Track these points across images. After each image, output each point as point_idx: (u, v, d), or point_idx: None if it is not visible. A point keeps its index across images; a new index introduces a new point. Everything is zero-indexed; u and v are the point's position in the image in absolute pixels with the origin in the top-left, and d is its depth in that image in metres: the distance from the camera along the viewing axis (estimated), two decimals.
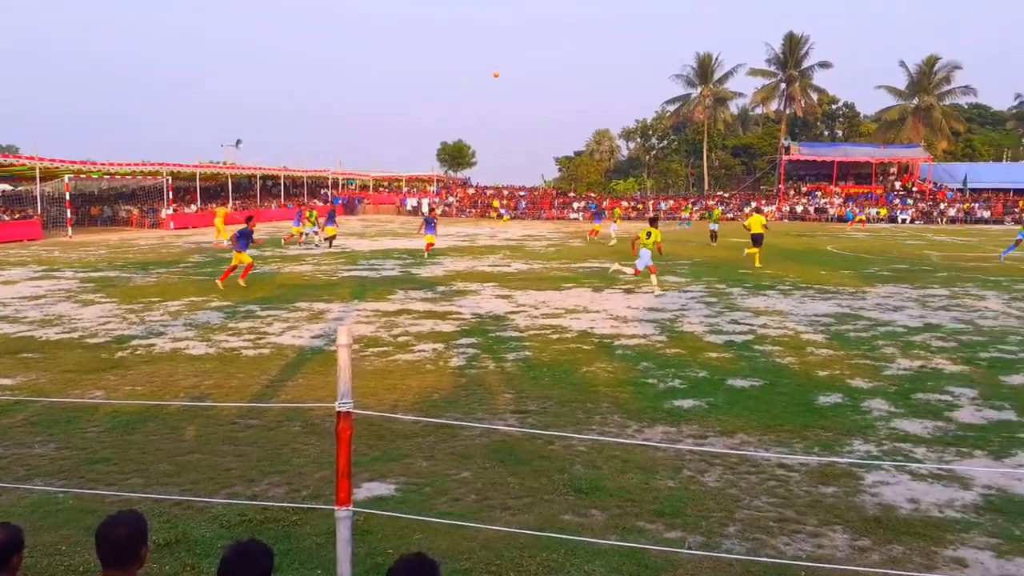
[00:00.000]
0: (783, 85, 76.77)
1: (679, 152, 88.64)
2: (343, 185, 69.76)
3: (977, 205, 60.67)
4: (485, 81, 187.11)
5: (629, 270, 16.61)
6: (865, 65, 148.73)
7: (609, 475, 5.49)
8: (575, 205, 66.46)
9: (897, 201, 61.59)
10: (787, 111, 78.43)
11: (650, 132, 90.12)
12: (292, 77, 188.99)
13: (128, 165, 40.35)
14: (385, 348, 10.02)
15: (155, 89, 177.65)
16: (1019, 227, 25.54)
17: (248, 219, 18.04)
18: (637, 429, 6.62)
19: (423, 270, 20.10)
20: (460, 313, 12.90)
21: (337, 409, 3.23)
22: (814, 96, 78.90)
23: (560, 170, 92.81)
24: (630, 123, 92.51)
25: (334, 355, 3.55)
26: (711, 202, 63.60)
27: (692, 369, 8.82)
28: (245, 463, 5.76)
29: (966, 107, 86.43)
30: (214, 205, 44.65)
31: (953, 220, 57.96)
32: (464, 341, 10.48)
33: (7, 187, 42.95)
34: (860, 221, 51.39)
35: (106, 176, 43.09)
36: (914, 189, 65.41)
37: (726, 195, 70.60)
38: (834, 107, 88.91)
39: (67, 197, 35.38)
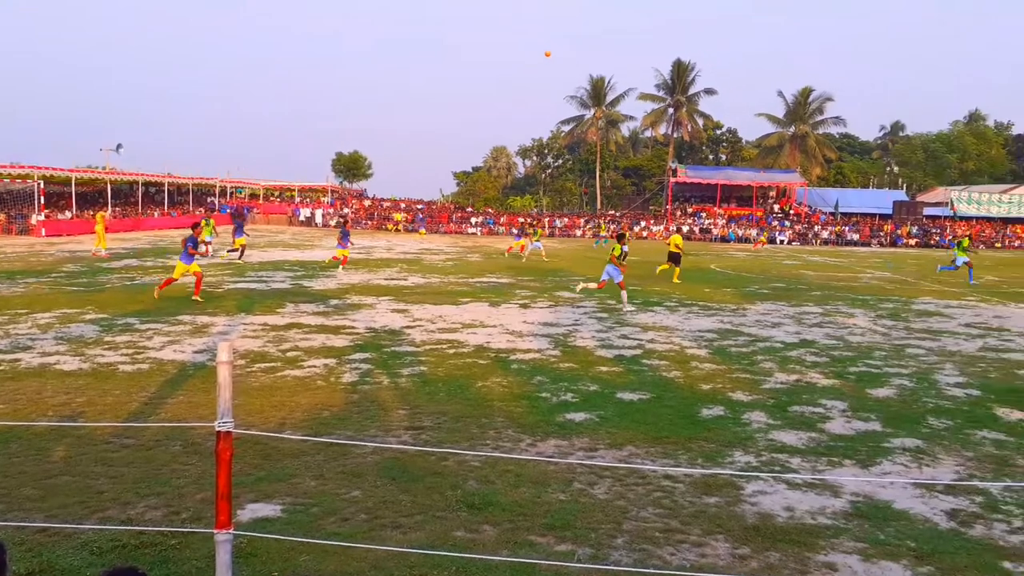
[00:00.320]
0: (671, 110, 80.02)
1: (573, 171, 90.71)
2: (231, 193, 67.28)
3: (847, 228, 65.05)
4: (383, 92, 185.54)
5: (593, 285, 17.02)
6: (747, 93, 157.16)
7: (502, 490, 5.50)
8: (473, 220, 66.68)
9: (776, 223, 65.12)
10: (675, 135, 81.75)
11: (546, 151, 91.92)
12: (178, 80, 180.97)
13: None
14: (273, 363, 9.70)
15: (28, 87, 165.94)
16: (954, 250, 27.19)
17: (195, 226, 17.31)
18: (530, 443, 6.68)
19: (315, 283, 19.63)
20: (354, 327, 12.66)
21: (217, 429, 3.10)
22: (700, 121, 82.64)
23: (458, 184, 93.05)
24: (527, 141, 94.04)
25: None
26: (602, 221, 65.28)
27: (584, 383, 8.99)
28: (119, 485, 5.43)
29: (837, 136, 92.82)
30: (92, 212, 42.10)
31: (826, 242, 61.83)
32: (357, 356, 10.29)
33: None
34: (761, 242, 54.35)
35: None
36: (791, 212, 69.39)
37: (617, 214, 72.68)
38: (719, 132, 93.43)
39: None
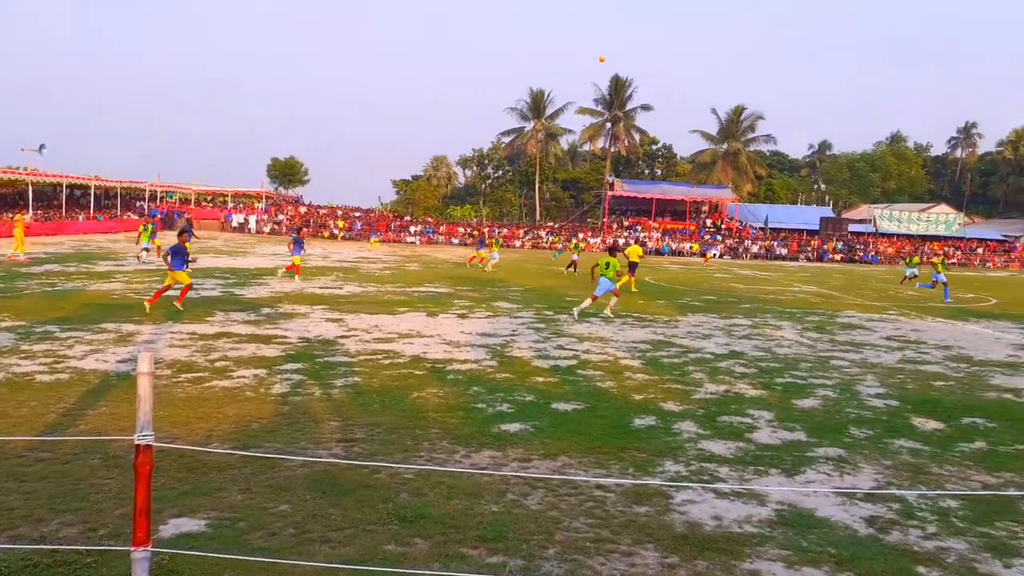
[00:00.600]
0: (609, 124, 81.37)
1: (513, 182, 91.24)
2: (162, 198, 65.33)
3: (776, 243, 67.08)
4: (320, 97, 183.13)
5: (587, 301, 16.73)
6: (682, 110, 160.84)
7: (435, 502, 5.46)
8: (412, 228, 66.31)
9: (708, 237, 66.71)
10: (612, 149, 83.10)
11: (486, 161, 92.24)
12: (107, 79, 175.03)
13: None
14: (201, 374, 9.43)
15: None
16: (933, 269, 28.36)
17: (181, 233, 16.41)
18: (465, 455, 6.65)
19: (247, 290, 19.18)
20: (286, 337, 12.42)
21: (136, 442, 2.99)
22: (636, 136, 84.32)
23: (398, 193, 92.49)
24: (467, 151, 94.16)
25: None
26: (541, 232, 65.76)
27: (520, 393, 9.02)
28: (33, 501, 5.18)
29: (768, 154, 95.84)
30: (11, 214, 40.25)
31: (756, 256, 63.61)
32: (289, 367, 10.09)
33: None
34: (709, 257, 55.83)
35: None
36: (723, 227, 71.21)
37: (556, 226, 73.32)
38: (654, 148, 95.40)
39: None
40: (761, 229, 70.11)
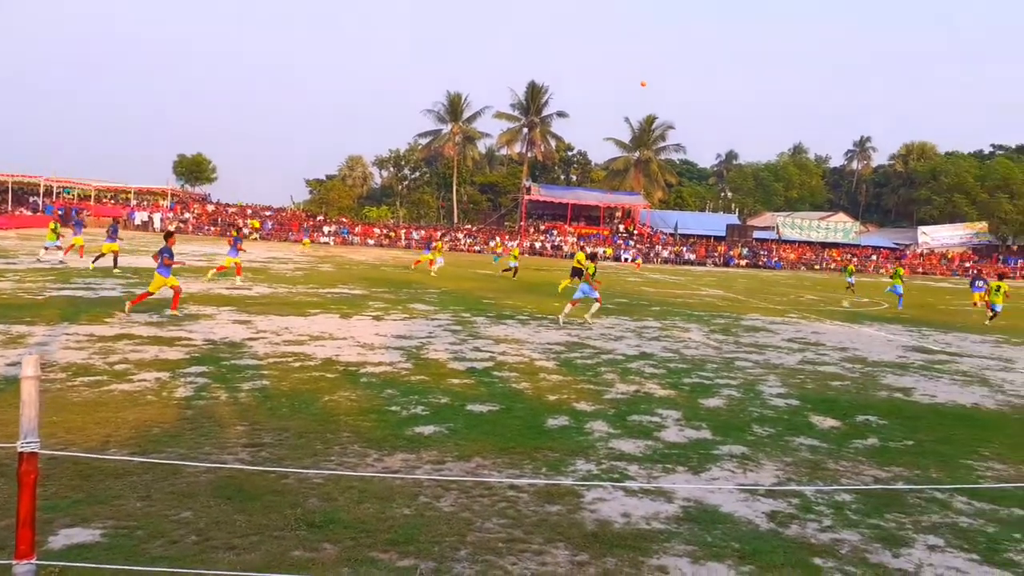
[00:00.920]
0: (526, 130, 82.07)
1: (431, 184, 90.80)
2: (58, 194, 61.86)
3: (685, 249, 69.06)
4: (233, 95, 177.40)
5: (569, 307, 17.30)
6: (597, 118, 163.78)
7: (345, 506, 5.35)
8: (326, 229, 65.05)
9: (621, 242, 68.10)
10: (529, 154, 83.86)
11: (403, 162, 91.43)
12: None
13: None
14: (99, 377, 8.96)
15: None
16: (893, 280, 29.41)
17: (168, 235, 15.39)
18: (377, 458, 6.55)
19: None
20: (191, 339, 11.94)
21: (19, 449, 2.81)
22: (553, 142, 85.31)
23: (311, 192, 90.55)
24: (384, 151, 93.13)
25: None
26: (459, 235, 65.62)
27: (435, 395, 8.95)
28: None
29: (677, 162, 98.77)
30: None
31: (666, 261, 65.35)
32: (194, 369, 9.70)
33: None
34: (639, 264, 57.02)
35: None
36: (635, 232, 72.83)
37: (474, 229, 73.33)
38: (570, 154, 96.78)
39: None
40: (671, 235, 72.18)
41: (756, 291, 32.69)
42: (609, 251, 64.44)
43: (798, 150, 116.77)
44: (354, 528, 4.98)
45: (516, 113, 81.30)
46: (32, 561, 2.83)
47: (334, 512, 5.22)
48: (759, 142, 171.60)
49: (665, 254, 66.29)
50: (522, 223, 71.26)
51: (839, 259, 70.35)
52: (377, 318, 15.87)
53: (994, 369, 13.52)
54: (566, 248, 64.82)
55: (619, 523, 5.36)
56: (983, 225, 79.87)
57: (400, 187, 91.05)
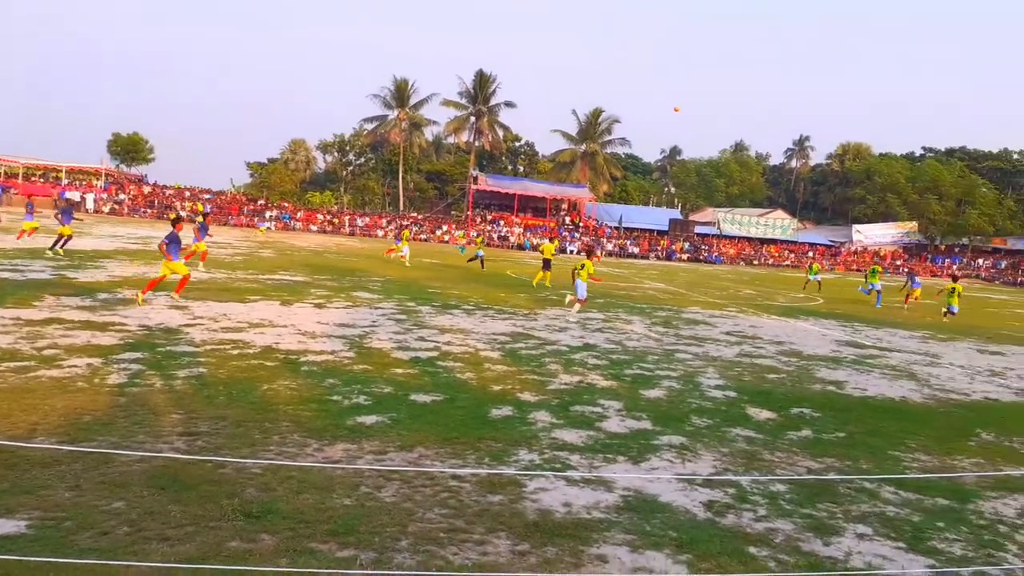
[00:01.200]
0: (473, 119, 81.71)
1: (376, 171, 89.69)
2: None
3: (629, 242, 69.88)
4: (171, 70, 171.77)
5: (576, 305, 17.60)
6: (544, 109, 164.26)
7: (284, 497, 5.27)
8: (267, 214, 63.72)
9: (566, 234, 68.50)
10: (476, 143, 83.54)
11: (347, 147, 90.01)
12: None
13: None
14: (26, 362, 8.60)
15: None
16: (869, 278, 30.21)
17: (175, 221, 15.21)
18: (317, 448, 6.46)
19: (81, 274, 17.71)
20: (125, 324, 11.56)
21: None
22: (500, 132, 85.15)
23: (252, 176, 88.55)
24: (328, 135, 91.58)
25: None
26: (405, 222, 65.09)
27: (378, 385, 8.87)
28: None
29: (623, 156, 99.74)
30: None
31: (611, 254, 66.00)
32: (127, 356, 9.40)
33: None
34: (598, 256, 57.35)
35: None
36: (580, 224, 73.33)
37: (420, 217, 72.82)
38: (517, 144, 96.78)
39: None
40: (616, 228, 72.93)
41: (697, 285, 33.32)
42: (556, 242, 64.79)
43: (740, 147, 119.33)
44: (293, 519, 4.91)
45: (464, 101, 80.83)
46: None
47: (272, 502, 5.14)
48: (702, 138, 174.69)
49: (609, 247, 66.97)
50: (469, 212, 71.06)
51: (776, 255, 72.21)
52: (319, 306, 15.64)
53: (921, 364, 14.09)
54: (512, 239, 64.91)
55: (560, 513, 5.41)
56: (913, 225, 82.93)
57: (344, 173, 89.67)
